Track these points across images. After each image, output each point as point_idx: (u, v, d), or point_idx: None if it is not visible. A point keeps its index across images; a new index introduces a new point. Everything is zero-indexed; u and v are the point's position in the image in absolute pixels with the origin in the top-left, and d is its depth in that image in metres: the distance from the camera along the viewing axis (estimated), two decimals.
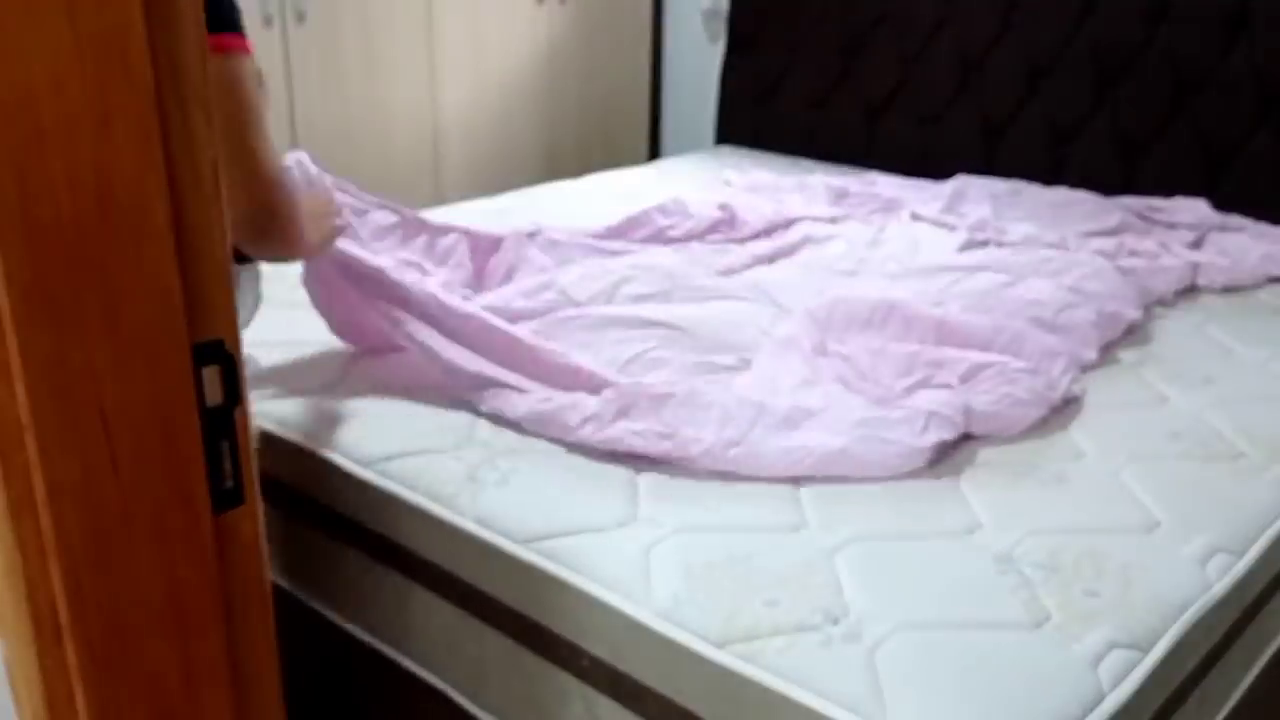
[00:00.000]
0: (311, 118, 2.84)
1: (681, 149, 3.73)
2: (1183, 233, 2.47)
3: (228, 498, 0.67)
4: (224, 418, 0.66)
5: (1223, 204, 2.71)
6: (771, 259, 2.24)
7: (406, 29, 3.00)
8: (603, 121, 3.67)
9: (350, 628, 1.59)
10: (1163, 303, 2.18)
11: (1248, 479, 1.56)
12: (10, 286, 0.58)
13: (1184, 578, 1.33)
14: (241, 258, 1.44)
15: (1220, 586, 1.36)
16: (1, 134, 0.56)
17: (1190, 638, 1.27)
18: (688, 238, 2.33)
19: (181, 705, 0.68)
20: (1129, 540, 1.38)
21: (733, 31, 3.50)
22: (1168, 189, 2.79)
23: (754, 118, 3.49)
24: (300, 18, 2.72)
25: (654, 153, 3.91)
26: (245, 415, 0.68)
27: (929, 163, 3.16)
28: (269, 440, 1.56)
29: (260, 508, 0.69)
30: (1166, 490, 1.51)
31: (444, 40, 3.10)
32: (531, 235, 2.13)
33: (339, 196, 1.72)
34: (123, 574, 0.63)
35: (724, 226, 2.40)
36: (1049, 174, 2.96)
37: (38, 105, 0.57)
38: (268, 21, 2.66)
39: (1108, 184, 2.88)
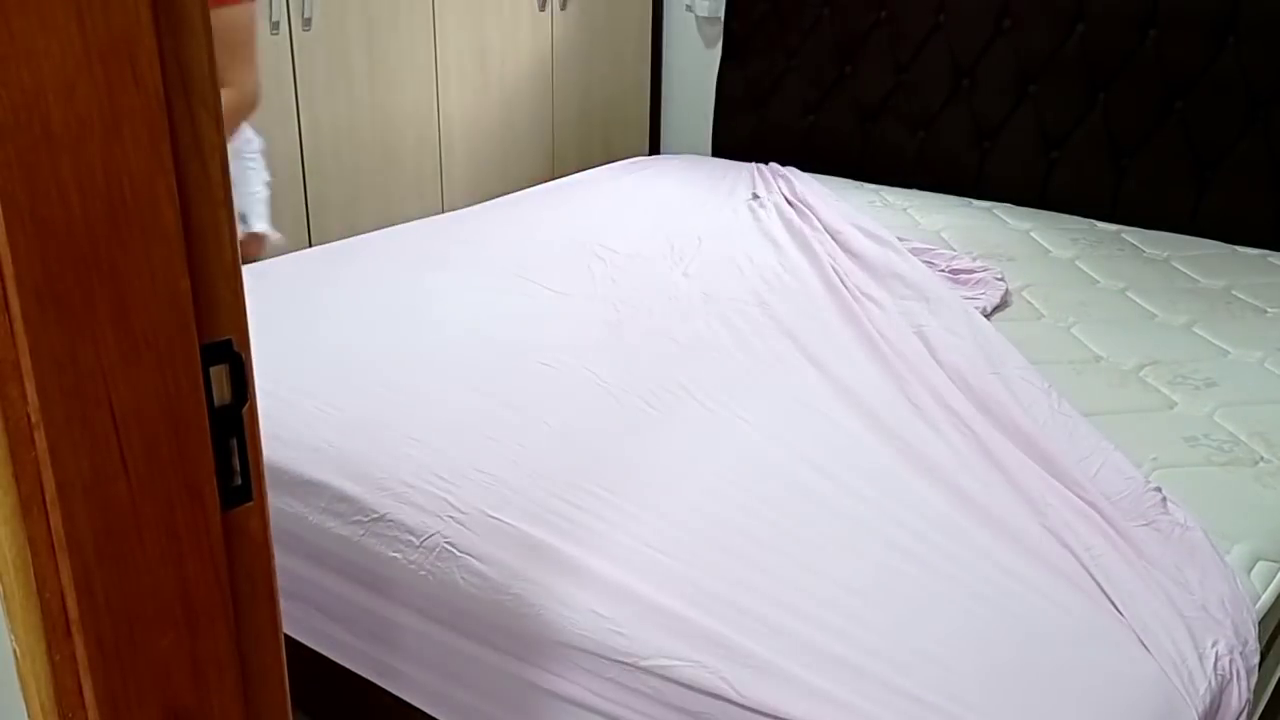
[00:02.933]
0: (318, 122, 2.85)
1: (680, 153, 3.75)
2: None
3: (236, 495, 0.68)
4: (232, 416, 0.67)
5: (1211, 206, 2.72)
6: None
7: (411, 35, 3.01)
8: (603, 125, 3.69)
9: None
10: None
11: (1272, 484, 1.57)
12: (21, 287, 0.58)
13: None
14: None
15: (1269, 595, 1.37)
16: (12, 137, 0.56)
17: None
18: None
19: (190, 699, 0.68)
20: None
21: (728, 37, 3.51)
22: (1157, 192, 2.80)
23: (750, 122, 3.50)
24: (307, 24, 2.74)
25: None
26: (254, 413, 0.68)
27: (922, 167, 3.17)
28: None
29: (268, 504, 0.70)
30: (1194, 498, 1.50)
31: (448, 46, 3.12)
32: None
33: None
34: (132, 570, 0.64)
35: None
36: (1040, 178, 2.98)
37: (47, 109, 0.57)
38: (275, 27, 2.67)
39: (1098, 187, 2.90)
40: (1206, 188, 2.74)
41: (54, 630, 0.64)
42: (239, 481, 0.68)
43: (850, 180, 3.23)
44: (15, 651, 0.67)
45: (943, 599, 1.28)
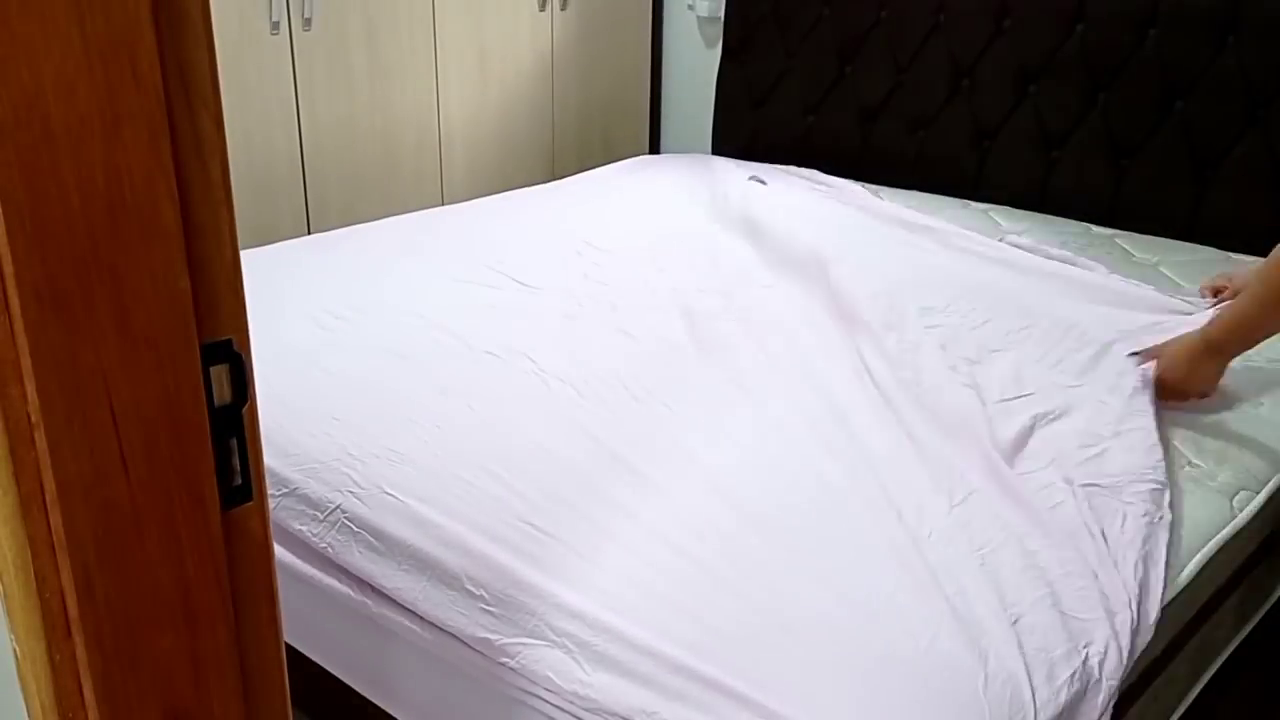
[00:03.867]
0: (318, 122, 2.85)
1: (681, 152, 3.75)
2: None
3: (237, 494, 0.68)
4: (233, 416, 0.67)
5: (1211, 206, 2.72)
6: None
7: (411, 35, 3.01)
8: (603, 125, 3.69)
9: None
10: None
11: (1195, 489, 1.58)
12: (21, 286, 0.58)
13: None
14: None
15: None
16: (11, 136, 0.56)
17: None
18: None
19: (190, 699, 0.68)
20: None
21: (728, 37, 3.51)
22: (1157, 192, 2.80)
23: (750, 122, 3.50)
24: (307, 24, 2.74)
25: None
26: (254, 413, 0.68)
27: (922, 168, 3.17)
28: None
29: (268, 504, 0.70)
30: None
31: (448, 46, 3.12)
32: None
33: None
34: (132, 569, 0.64)
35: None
36: (1039, 178, 2.98)
37: (47, 108, 0.57)
38: (275, 27, 2.68)
39: (1098, 188, 2.89)
40: (1206, 188, 2.74)
41: (54, 630, 0.63)
42: (239, 481, 0.68)
43: (850, 180, 3.23)
44: (15, 652, 0.67)
45: (801, 594, 1.29)
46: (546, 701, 1.25)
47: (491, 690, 1.31)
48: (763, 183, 2.93)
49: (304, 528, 1.53)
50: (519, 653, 1.27)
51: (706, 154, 3.62)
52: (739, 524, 1.41)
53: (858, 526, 1.41)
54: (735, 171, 3.10)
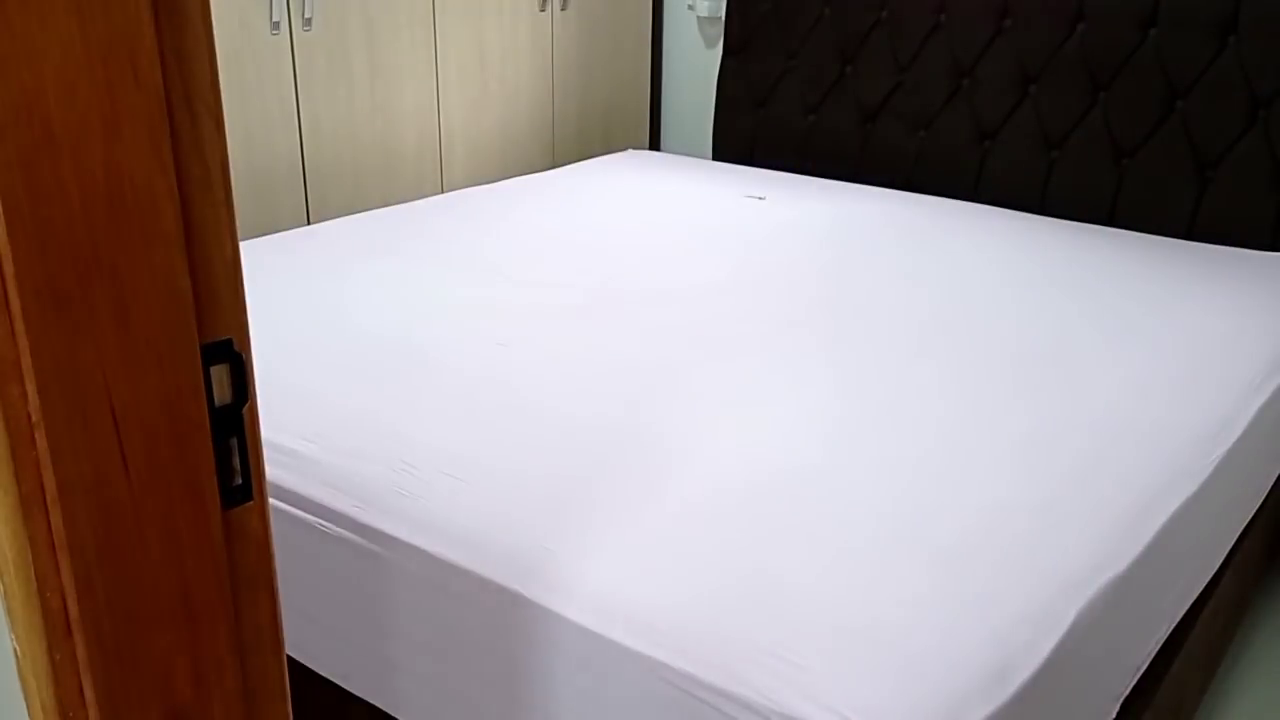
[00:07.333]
0: (318, 122, 2.85)
1: (682, 153, 3.75)
2: None
3: (237, 494, 0.68)
4: (233, 416, 0.67)
5: (1211, 206, 2.71)
6: None
7: (412, 35, 3.01)
8: (604, 126, 3.69)
9: None
10: None
11: None
12: (21, 286, 0.58)
13: None
14: None
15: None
16: (12, 136, 0.56)
17: None
18: None
19: (190, 698, 0.68)
20: None
21: (728, 37, 3.51)
22: (1156, 192, 2.79)
23: (750, 122, 3.50)
24: (307, 24, 2.74)
25: None
26: (254, 413, 0.68)
27: (921, 167, 3.17)
28: None
29: (269, 504, 0.70)
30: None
31: (448, 46, 3.12)
32: None
33: None
34: (132, 569, 0.64)
35: None
36: (1040, 178, 2.97)
37: (47, 108, 0.57)
38: (275, 27, 2.67)
39: (1098, 188, 2.89)
40: (1206, 188, 2.74)
41: (54, 630, 0.64)
42: (239, 481, 0.68)
43: (848, 183, 3.24)
44: (15, 651, 0.67)
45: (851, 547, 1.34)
46: (570, 622, 1.25)
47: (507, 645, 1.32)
48: (761, 198, 2.94)
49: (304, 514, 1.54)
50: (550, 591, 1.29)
51: (706, 155, 3.62)
52: (756, 494, 1.46)
53: (862, 496, 1.46)
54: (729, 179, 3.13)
